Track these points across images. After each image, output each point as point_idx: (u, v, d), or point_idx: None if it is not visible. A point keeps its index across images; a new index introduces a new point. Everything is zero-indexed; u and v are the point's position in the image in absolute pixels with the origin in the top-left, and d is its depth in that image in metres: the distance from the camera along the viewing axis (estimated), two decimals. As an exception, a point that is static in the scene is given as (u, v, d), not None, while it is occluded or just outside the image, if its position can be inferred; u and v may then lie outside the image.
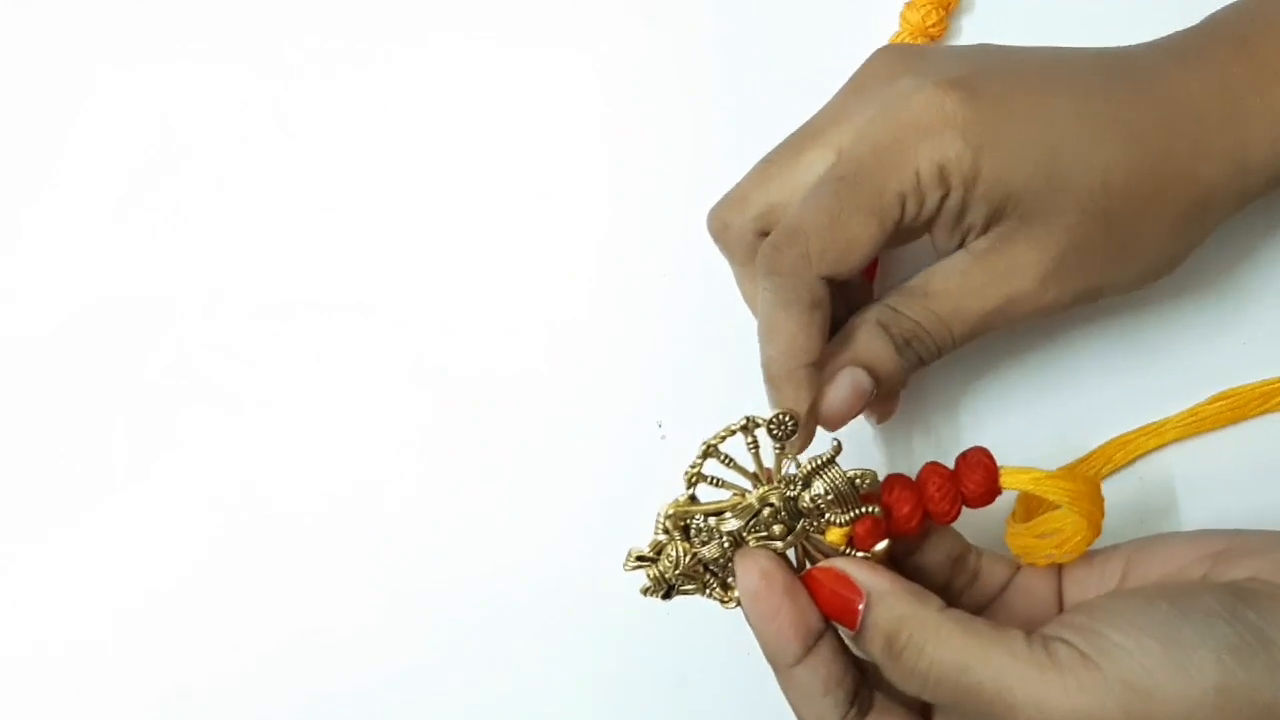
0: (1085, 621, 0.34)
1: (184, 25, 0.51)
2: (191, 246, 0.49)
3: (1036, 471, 0.37)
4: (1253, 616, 0.32)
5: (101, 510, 0.48)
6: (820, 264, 0.37)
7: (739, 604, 0.37)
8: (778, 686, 0.41)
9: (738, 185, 0.40)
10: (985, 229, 0.38)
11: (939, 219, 0.38)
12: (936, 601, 0.35)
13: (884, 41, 0.47)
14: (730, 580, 0.38)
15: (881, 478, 0.37)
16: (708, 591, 0.38)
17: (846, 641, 0.37)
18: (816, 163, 0.38)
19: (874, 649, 0.35)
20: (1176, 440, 0.44)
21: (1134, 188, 0.37)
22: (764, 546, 0.37)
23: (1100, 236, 0.38)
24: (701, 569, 0.38)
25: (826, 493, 0.37)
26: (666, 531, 0.38)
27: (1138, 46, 0.41)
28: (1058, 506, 0.37)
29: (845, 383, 0.38)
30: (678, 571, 0.38)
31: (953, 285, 0.38)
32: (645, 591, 0.38)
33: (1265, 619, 0.32)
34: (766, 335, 0.38)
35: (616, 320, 0.48)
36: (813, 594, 0.36)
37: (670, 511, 0.38)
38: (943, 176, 0.36)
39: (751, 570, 0.36)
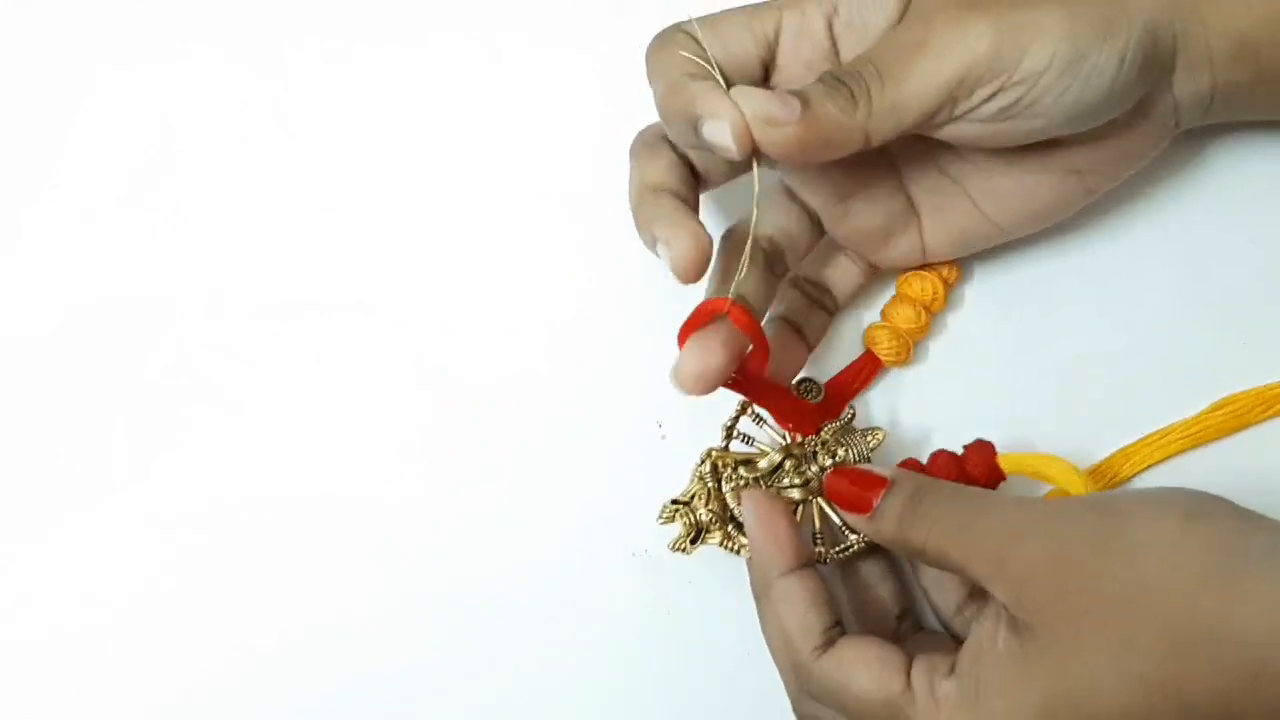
0: None
1: (184, 25, 0.51)
2: (191, 246, 0.49)
3: (1032, 456, 0.42)
4: (1223, 498, 0.36)
5: (102, 510, 0.48)
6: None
7: None
8: (778, 683, 0.42)
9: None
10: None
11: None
12: None
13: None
14: None
15: (875, 429, 0.43)
16: (729, 541, 0.42)
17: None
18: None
19: (894, 508, 0.39)
20: (1181, 452, 0.45)
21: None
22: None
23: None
24: (728, 518, 0.42)
25: (851, 458, 0.42)
26: (700, 479, 0.43)
27: None
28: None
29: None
30: (710, 510, 0.42)
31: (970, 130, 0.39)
32: (673, 546, 0.43)
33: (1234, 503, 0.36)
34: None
35: (616, 320, 0.48)
36: (831, 489, 0.41)
37: (706, 458, 0.43)
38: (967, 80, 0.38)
39: (757, 494, 0.42)
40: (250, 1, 0.51)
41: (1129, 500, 0.36)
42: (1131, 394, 0.45)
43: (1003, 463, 0.42)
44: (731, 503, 0.42)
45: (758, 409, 0.43)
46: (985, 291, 0.47)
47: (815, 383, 0.44)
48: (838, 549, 0.42)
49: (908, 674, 0.38)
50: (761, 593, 0.41)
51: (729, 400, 0.46)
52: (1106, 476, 0.44)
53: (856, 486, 0.40)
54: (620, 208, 0.48)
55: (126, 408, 0.48)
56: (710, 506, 0.42)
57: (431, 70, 0.50)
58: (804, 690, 0.40)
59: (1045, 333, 0.46)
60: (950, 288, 0.45)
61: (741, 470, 0.43)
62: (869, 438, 0.43)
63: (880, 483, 0.39)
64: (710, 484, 0.42)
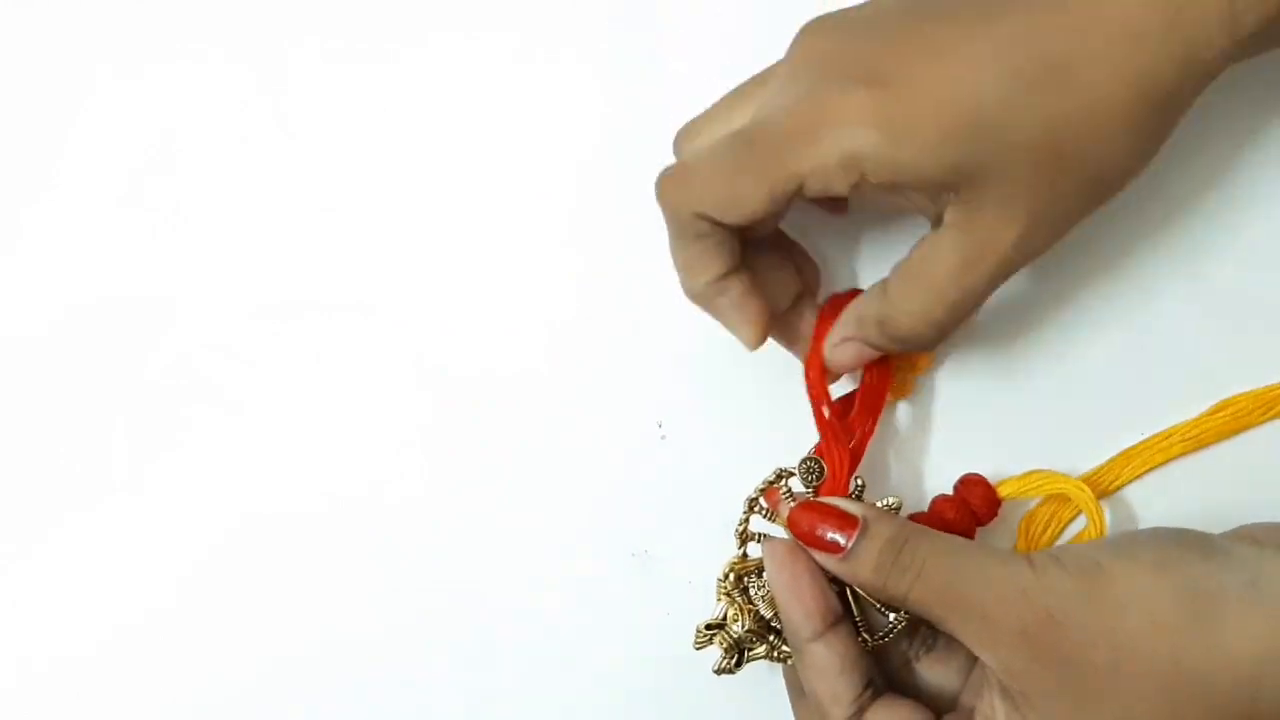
0: None
1: (184, 26, 0.51)
2: (191, 246, 0.49)
3: (1018, 476, 0.43)
4: (1196, 532, 0.37)
5: (101, 510, 0.48)
6: (703, 208, 0.38)
7: None
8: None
9: (676, 138, 0.42)
10: (949, 204, 0.38)
11: (875, 197, 0.38)
12: None
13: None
14: None
15: (890, 499, 0.41)
16: (774, 652, 0.41)
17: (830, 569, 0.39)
18: (738, 119, 0.39)
19: (870, 555, 0.38)
20: (1181, 455, 0.45)
21: (1078, 123, 0.37)
22: None
23: (1062, 177, 0.37)
24: (766, 628, 0.40)
25: None
26: (728, 594, 0.41)
27: None
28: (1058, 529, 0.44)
29: (850, 349, 0.41)
30: (746, 629, 0.40)
31: (941, 260, 0.38)
32: (718, 669, 0.41)
33: (1208, 534, 0.37)
34: (671, 256, 0.41)
35: (616, 320, 0.48)
36: (795, 526, 0.39)
37: (728, 571, 0.41)
38: (852, 165, 0.36)
39: (777, 549, 0.40)
40: (250, 2, 0.51)
41: (1104, 555, 0.36)
42: (1131, 396, 0.45)
43: (1000, 489, 0.42)
44: (766, 612, 0.40)
45: (764, 503, 0.41)
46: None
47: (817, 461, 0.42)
48: (879, 634, 0.40)
49: None
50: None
51: (729, 400, 0.46)
52: (1107, 480, 0.44)
53: (825, 524, 0.38)
54: (620, 208, 0.48)
55: (126, 408, 0.48)
56: (745, 624, 0.41)
57: (432, 71, 0.50)
58: None
59: (1044, 336, 0.46)
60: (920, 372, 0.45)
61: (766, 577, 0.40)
62: (886, 505, 0.40)
63: (851, 522, 0.38)
64: (740, 600, 0.41)
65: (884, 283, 0.40)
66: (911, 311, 0.39)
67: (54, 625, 0.47)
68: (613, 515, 0.46)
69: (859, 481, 0.41)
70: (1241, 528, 0.38)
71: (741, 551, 0.42)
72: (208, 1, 0.51)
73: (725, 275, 0.40)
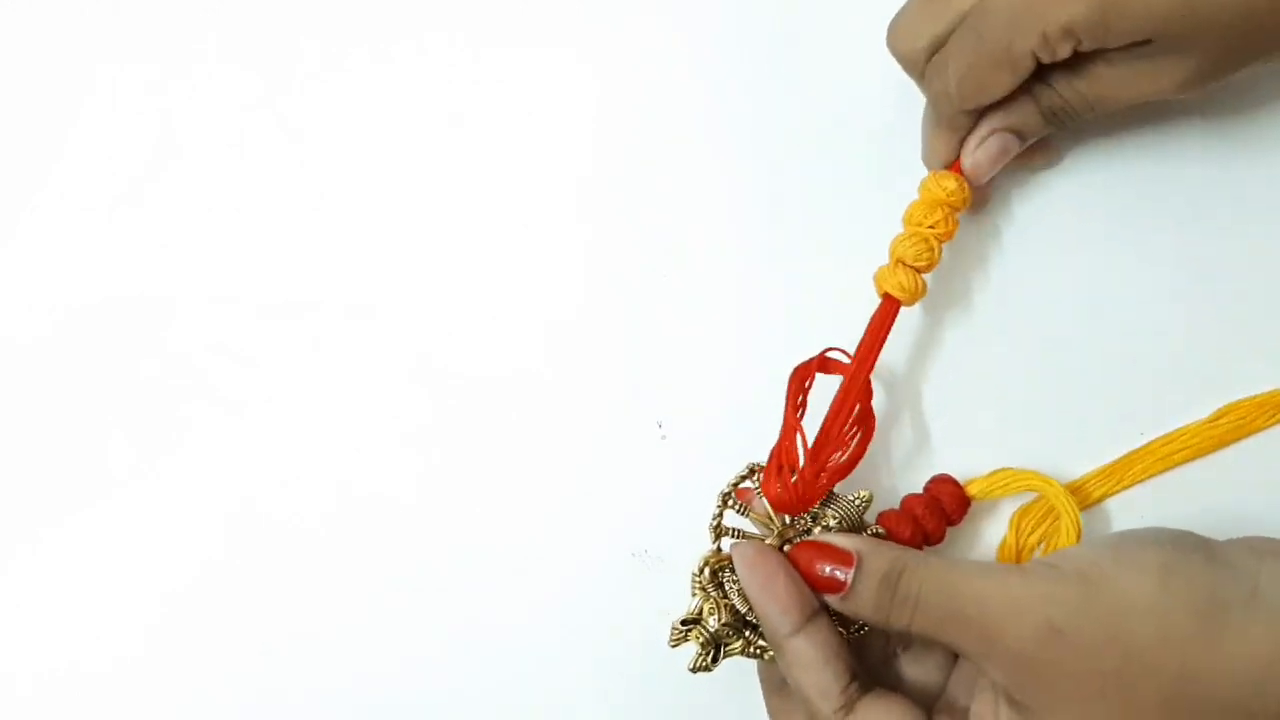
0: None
1: (184, 25, 0.51)
2: (191, 246, 0.49)
3: (984, 475, 0.43)
4: (1195, 535, 0.37)
5: (101, 510, 0.48)
6: (960, 101, 0.42)
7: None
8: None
9: (905, 11, 0.43)
10: (1130, 48, 0.40)
11: (1080, 53, 0.40)
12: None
13: (883, 42, 0.47)
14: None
15: (859, 494, 0.41)
16: (750, 647, 0.40)
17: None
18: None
19: (869, 591, 0.38)
20: (1185, 462, 0.44)
21: (1275, 7, 0.38)
22: None
23: (1240, 48, 0.40)
24: (741, 622, 0.40)
25: (837, 520, 0.40)
26: (703, 589, 0.40)
27: None
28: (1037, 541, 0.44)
29: (995, 144, 0.44)
30: (722, 624, 0.40)
31: (1107, 75, 0.41)
32: (694, 666, 0.40)
33: (1207, 539, 0.37)
34: (924, 136, 0.45)
35: (616, 320, 0.48)
36: (798, 566, 0.39)
37: (702, 565, 0.41)
38: (1069, 33, 0.39)
39: (746, 552, 0.40)
40: (251, 2, 0.51)
41: (1108, 560, 0.36)
42: (1133, 402, 0.45)
43: (969, 487, 0.43)
44: (741, 606, 0.40)
45: (736, 498, 0.42)
46: (983, 297, 0.47)
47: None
48: (855, 627, 0.40)
49: None
50: (775, 652, 0.40)
51: (729, 400, 0.46)
52: (1110, 482, 0.44)
53: (823, 561, 0.39)
54: (621, 207, 0.48)
55: (126, 407, 0.48)
56: (721, 618, 0.40)
57: (432, 71, 0.50)
58: None
59: (1046, 342, 0.46)
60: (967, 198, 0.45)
61: None
62: (855, 499, 0.41)
63: (846, 559, 0.38)
64: (714, 593, 0.40)
65: (1044, 85, 0.42)
66: (1065, 98, 0.42)
67: (54, 625, 0.47)
68: (613, 515, 0.46)
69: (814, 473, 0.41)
70: (1236, 539, 0.38)
71: (716, 546, 0.41)
72: (208, 1, 0.51)
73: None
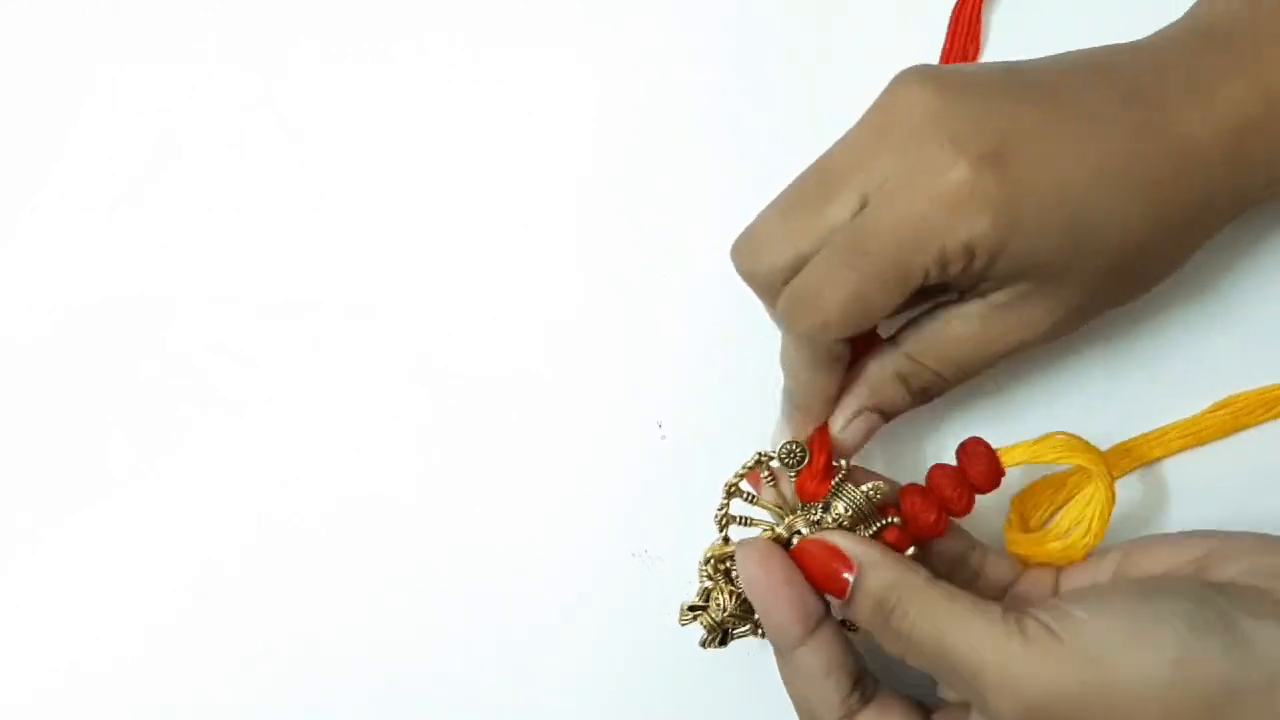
0: (1058, 603, 0.35)
1: (184, 25, 0.51)
2: (191, 246, 0.49)
3: (1028, 443, 0.40)
4: (1221, 600, 0.34)
5: (101, 510, 0.48)
6: (841, 328, 0.38)
7: None
8: (778, 683, 0.41)
9: (760, 225, 0.40)
10: (1002, 286, 0.38)
11: (957, 281, 0.38)
12: (924, 572, 0.37)
13: (883, 41, 0.47)
14: None
15: (871, 486, 0.39)
16: (759, 629, 0.40)
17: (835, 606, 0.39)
18: (840, 213, 0.38)
19: (863, 613, 0.37)
20: (1180, 451, 0.44)
21: (1149, 238, 0.38)
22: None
23: (1114, 282, 0.39)
24: (748, 609, 0.40)
25: (847, 510, 0.39)
26: (710, 577, 0.41)
27: (1151, 57, 0.40)
28: (1055, 507, 0.41)
29: (861, 426, 0.41)
30: (728, 613, 0.40)
31: (970, 334, 0.39)
32: (704, 643, 0.41)
33: (1234, 603, 0.34)
34: (788, 374, 0.41)
35: (616, 320, 0.48)
36: (803, 566, 0.38)
37: (709, 556, 0.41)
38: (968, 252, 0.37)
39: (751, 555, 0.39)
40: (251, 2, 0.51)
41: (1118, 639, 0.33)
42: (1131, 394, 0.45)
43: (1004, 457, 0.39)
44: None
45: (744, 487, 0.41)
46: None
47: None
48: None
49: None
50: (778, 658, 0.39)
51: (729, 400, 0.46)
52: (1145, 451, 0.44)
53: (825, 561, 0.38)
54: (621, 207, 0.48)
55: (126, 408, 0.48)
56: (726, 608, 0.40)
57: (432, 71, 0.50)
58: None
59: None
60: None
61: None
62: (870, 489, 0.39)
63: (846, 563, 0.37)
64: (721, 581, 0.40)
65: (895, 351, 0.40)
66: (934, 371, 0.40)
67: (54, 625, 0.47)
68: (613, 515, 0.46)
69: (844, 463, 0.40)
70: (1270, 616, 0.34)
71: (723, 536, 0.41)
72: (208, 1, 0.51)
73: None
